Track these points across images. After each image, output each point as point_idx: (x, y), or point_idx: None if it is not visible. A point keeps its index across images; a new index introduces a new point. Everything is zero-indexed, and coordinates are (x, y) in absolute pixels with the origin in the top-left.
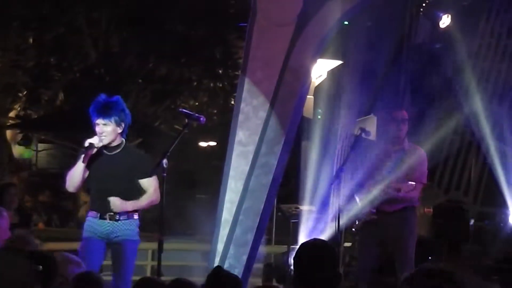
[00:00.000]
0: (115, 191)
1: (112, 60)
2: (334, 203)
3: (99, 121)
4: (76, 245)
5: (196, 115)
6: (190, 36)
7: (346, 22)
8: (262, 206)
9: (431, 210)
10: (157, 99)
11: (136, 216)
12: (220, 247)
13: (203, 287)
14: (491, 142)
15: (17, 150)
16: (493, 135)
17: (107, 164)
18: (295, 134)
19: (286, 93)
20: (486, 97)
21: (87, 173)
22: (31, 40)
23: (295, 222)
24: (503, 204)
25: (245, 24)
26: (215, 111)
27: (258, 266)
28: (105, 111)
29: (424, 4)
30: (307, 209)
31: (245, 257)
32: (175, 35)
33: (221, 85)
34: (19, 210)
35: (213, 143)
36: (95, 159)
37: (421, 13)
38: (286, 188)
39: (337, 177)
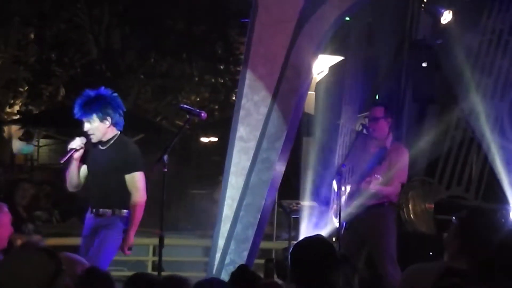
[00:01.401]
0: (103, 186)
1: (113, 56)
2: (335, 199)
3: (83, 119)
4: (77, 241)
5: (197, 110)
6: (191, 32)
7: (347, 18)
8: (263, 202)
9: (432, 206)
10: (158, 94)
11: (124, 213)
12: (221, 242)
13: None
14: (492, 138)
15: (16, 146)
16: (494, 132)
17: (97, 159)
18: (296, 129)
19: (287, 89)
20: (488, 94)
21: (85, 169)
22: (32, 36)
23: (296, 218)
24: (504, 200)
25: (247, 20)
26: (217, 107)
27: (259, 261)
28: (85, 110)
29: (425, 0)
30: (308, 205)
31: (246, 253)
32: (176, 31)
33: (222, 80)
34: (28, 206)
35: (214, 139)
36: (91, 154)
37: (422, 9)
38: (287, 183)
39: (338, 173)
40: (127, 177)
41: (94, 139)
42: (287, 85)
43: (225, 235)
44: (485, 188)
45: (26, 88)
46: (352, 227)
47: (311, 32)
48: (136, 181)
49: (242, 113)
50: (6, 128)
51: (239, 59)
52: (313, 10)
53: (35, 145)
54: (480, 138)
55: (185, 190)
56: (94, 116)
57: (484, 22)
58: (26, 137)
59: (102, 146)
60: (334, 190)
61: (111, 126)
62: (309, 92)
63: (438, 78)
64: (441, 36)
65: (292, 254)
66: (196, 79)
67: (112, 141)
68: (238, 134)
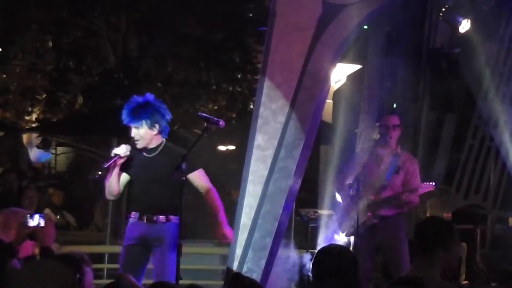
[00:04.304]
0: (157, 194)
1: (131, 63)
2: (353, 208)
3: (131, 125)
4: (94, 249)
5: (215, 119)
6: (208, 40)
7: (365, 27)
8: (280, 211)
9: (450, 215)
10: (176, 102)
11: (175, 219)
12: (238, 251)
13: None
14: (510, 146)
15: (34, 154)
16: None
17: (147, 167)
18: (314, 138)
19: (305, 97)
20: (505, 102)
21: (125, 177)
22: (50, 44)
23: (314, 227)
24: None
25: (264, 28)
26: (234, 115)
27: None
28: (134, 116)
29: (443, 9)
30: (326, 214)
31: (263, 262)
32: (193, 39)
33: (239, 89)
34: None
35: (232, 147)
36: (136, 162)
37: (440, 18)
38: (305, 192)
39: (355, 182)
40: (191, 176)
41: (140, 145)
42: (305, 93)
43: (243, 243)
44: (503, 196)
45: (44, 96)
46: (367, 236)
47: (329, 40)
48: (202, 175)
49: (260, 121)
50: (25, 136)
51: (257, 67)
52: (331, 18)
53: (52, 153)
54: (498, 146)
55: (203, 198)
56: (143, 123)
57: (502, 31)
58: (43, 145)
59: (148, 153)
60: (339, 201)
61: (158, 134)
62: (327, 101)
63: (456, 87)
64: (459, 45)
65: (313, 265)
66: (214, 87)
67: (160, 148)
68: (255, 143)
